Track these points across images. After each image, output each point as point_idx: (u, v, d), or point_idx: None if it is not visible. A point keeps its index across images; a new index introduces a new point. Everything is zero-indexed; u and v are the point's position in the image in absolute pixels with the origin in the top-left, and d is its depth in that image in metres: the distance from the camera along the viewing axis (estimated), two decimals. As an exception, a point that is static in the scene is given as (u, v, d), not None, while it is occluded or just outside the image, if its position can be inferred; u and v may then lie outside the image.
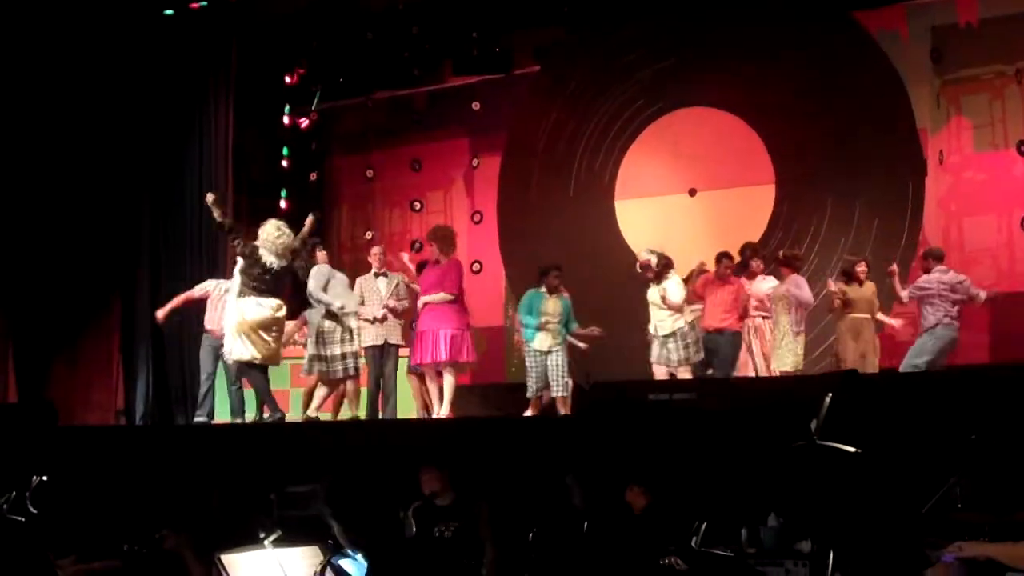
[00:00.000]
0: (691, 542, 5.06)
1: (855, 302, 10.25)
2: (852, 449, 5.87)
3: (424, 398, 10.79)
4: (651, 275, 10.31)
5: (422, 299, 10.16)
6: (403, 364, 10.74)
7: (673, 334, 10.13)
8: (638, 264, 10.51)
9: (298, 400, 10.86)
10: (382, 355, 10.31)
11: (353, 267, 14.06)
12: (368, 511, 3.77)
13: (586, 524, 4.94)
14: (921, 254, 10.56)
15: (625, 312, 11.07)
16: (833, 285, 10.36)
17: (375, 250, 10.75)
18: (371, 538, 3.74)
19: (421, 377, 10.70)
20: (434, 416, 10.13)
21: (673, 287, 10.20)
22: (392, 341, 10.36)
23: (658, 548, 4.95)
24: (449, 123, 14.17)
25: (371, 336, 10.31)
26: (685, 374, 10.11)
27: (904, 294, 10.23)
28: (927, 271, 10.14)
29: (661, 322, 10.22)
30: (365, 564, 4.85)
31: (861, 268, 10.35)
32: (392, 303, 10.33)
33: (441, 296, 10.05)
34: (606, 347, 11.23)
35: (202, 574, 4.57)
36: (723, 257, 10.64)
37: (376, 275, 10.51)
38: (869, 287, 10.35)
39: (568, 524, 4.72)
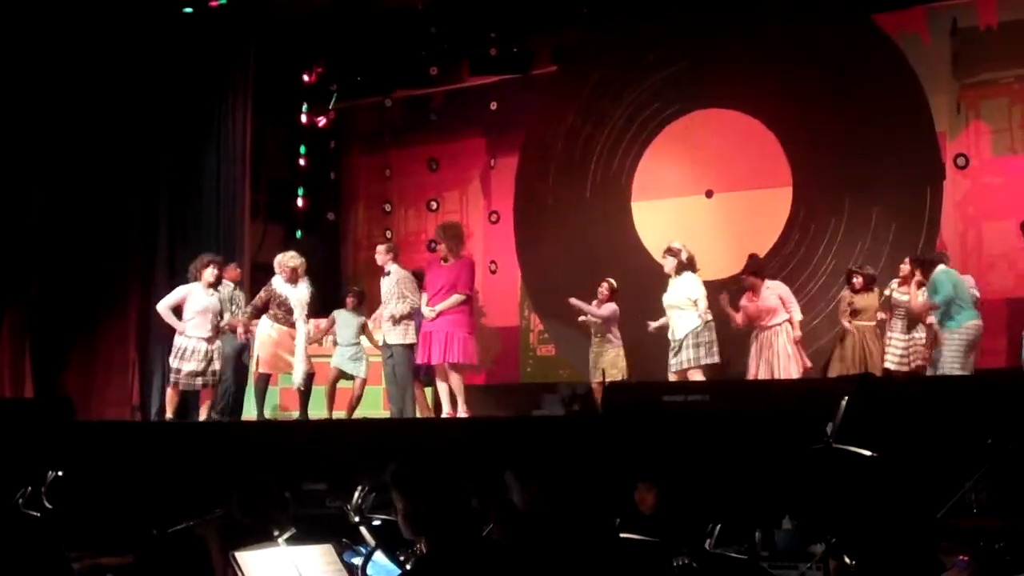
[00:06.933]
0: (704, 544, 5.05)
1: (862, 311, 10.28)
2: (867, 453, 5.86)
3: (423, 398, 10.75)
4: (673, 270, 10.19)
5: (435, 307, 9.68)
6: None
7: (687, 336, 10.04)
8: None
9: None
10: (390, 355, 10.17)
11: (369, 266, 14.10)
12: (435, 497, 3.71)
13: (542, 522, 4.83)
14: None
15: (643, 313, 11.04)
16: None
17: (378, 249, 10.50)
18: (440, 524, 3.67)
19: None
20: (444, 415, 10.03)
21: (697, 280, 10.18)
22: (390, 341, 10.09)
23: (670, 548, 4.94)
24: (466, 123, 14.18)
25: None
26: (697, 375, 10.01)
27: None
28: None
29: (681, 320, 10.05)
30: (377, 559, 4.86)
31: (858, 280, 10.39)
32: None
33: (455, 299, 9.70)
34: (624, 348, 11.21)
35: (223, 569, 4.58)
36: None
37: (383, 276, 10.28)
38: (876, 296, 10.33)
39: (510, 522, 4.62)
